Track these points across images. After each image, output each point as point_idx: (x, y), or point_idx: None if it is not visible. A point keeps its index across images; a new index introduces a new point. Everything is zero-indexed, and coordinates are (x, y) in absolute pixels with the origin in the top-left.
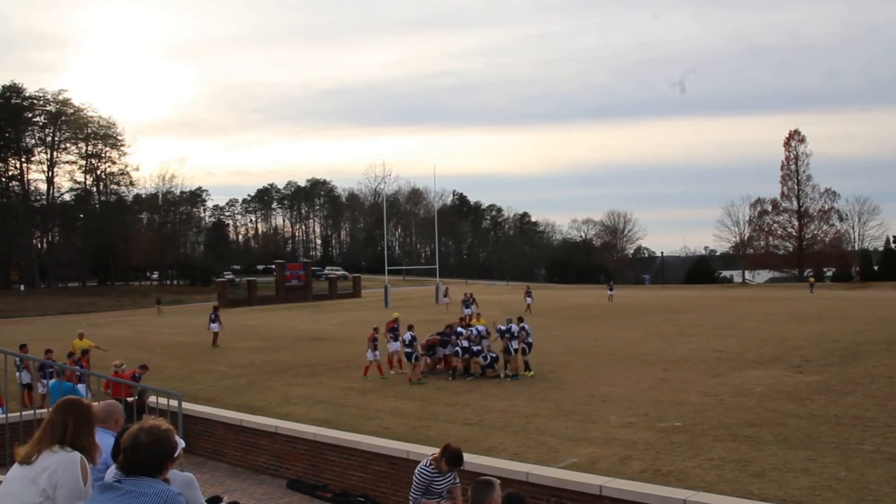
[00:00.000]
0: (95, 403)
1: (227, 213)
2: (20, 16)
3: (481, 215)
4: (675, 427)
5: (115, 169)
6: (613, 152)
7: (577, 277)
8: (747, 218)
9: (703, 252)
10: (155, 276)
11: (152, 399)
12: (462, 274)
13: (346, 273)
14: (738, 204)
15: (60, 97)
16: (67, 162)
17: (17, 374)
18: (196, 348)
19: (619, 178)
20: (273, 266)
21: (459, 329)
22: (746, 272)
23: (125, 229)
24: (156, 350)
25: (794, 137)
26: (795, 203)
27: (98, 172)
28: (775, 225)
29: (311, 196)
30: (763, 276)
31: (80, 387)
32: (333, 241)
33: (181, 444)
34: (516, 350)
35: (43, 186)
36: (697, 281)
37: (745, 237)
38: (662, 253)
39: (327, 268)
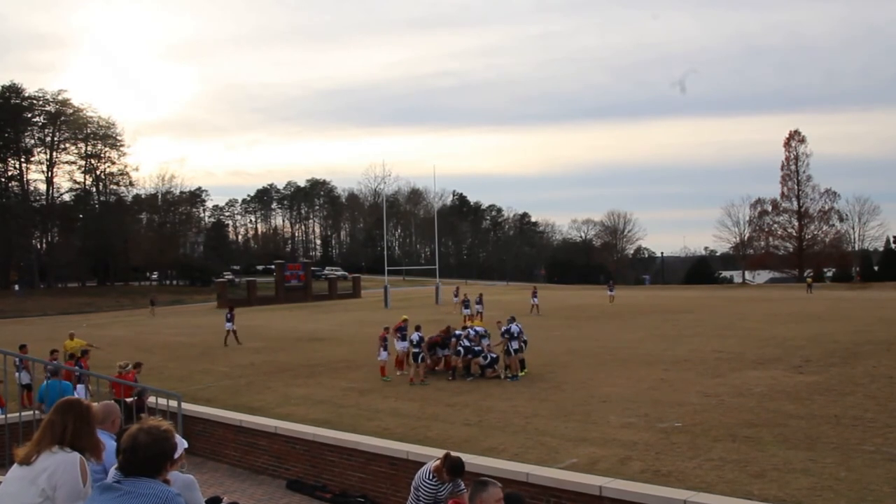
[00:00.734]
0: (94, 404)
1: (226, 214)
2: (19, 16)
3: (481, 215)
4: (675, 427)
5: (114, 169)
6: (613, 152)
7: (577, 278)
8: (747, 218)
9: (703, 252)
10: (154, 276)
11: (151, 399)
12: (462, 274)
13: (346, 273)
14: (738, 204)
15: (60, 97)
16: (67, 162)
17: (17, 374)
18: (195, 349)
19: (619, 178)
20: (273, 266)
21: (458, 332)
22: (746, 272)
23: (125, 230)
24: (155, 350)
25: (795, 137)
26: (795, 203)
27: (97, 173)
28: (775, 225)
29: (311, 196)
30: (763, 276)
31: (80, 388)
32: (333, 242)
33: (183, 444)
34: (516, 350)
35: (42, 187)
36: (697, 281)
37: (745, 237)
38: (662, 253)
39: (327, 268)
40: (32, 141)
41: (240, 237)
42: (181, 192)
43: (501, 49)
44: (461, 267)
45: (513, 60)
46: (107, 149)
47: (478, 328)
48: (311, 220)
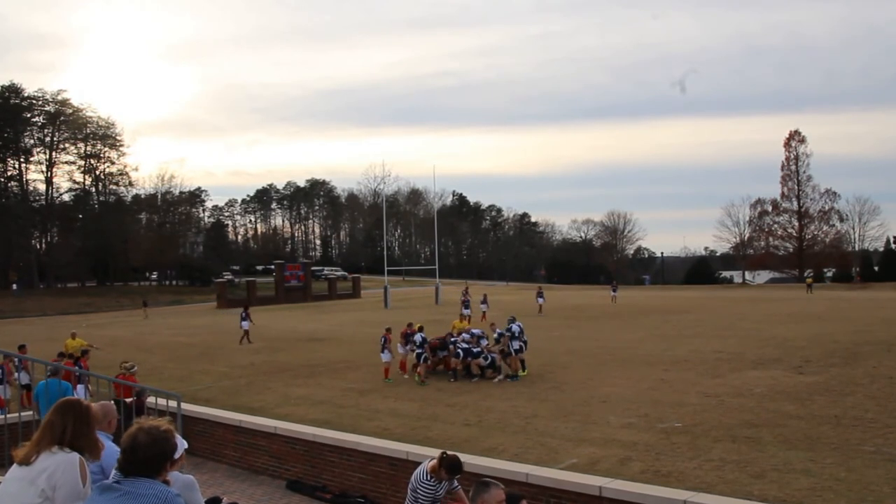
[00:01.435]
0: (93, 404)
1: (226, 214)
2: (18, 16)
3: (481, 216)
4: (675, 428)
5: (114, 169)
6: (613, 152)
7: (577, 278)
8: (747, 218)
9: (703, 252)
10: (154, 276)
11: (151, 400)
12: (462, 274)
13: (346, 273)
14: (739, 204)
15: (59, 97)
16: (66, 162)
17: (16, 374)
18: (195, 349)
19: (619, 178)
20: (272, 266)
21: (453, 339)
22: (746, 273)
23: (124, 230)
24: (154, 351)
25: (795, 138)
26: (796, 203)
27: (97, 173)
28: (775, 225)
29: (311, 196)
30: (763, 276)
31: (80, 388)
32: (333, 242)
33: (183, 444)
34: (517, 350)
35: (42, 187)
36: (697, 281)
37: (746, 238)
38: (662, 253)
39: (326, 268)
40: (32, 141)
41: (239, 237)
42: (181, 193)
43: (501, 49)
44: (461, 267)
45: (513, 60)
46: (106, 149)
47: (474, 330)
48: (310, 221)
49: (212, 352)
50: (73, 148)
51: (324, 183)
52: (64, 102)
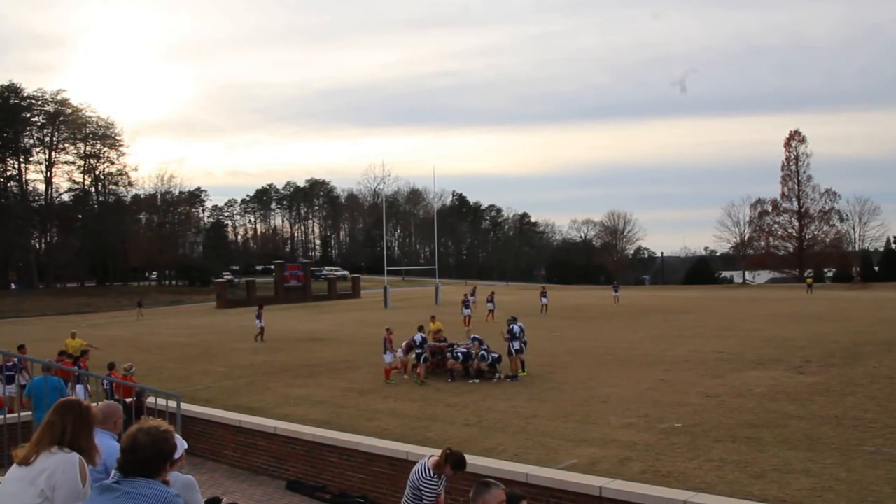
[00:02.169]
0: (94, 404)
1: (225, 214)
2: (17, 16)
3: (481, 216)
4: (675, 428)
5: (113, 169)
6: (613, 152)
7: (577, 278)
8: (747, 218)
9: (704, 252)
10: (153, 276)
11: (151, 400)
12: (461, 274)
13: (347, 273)
14: (739, 204)
15: (59, 97)
16: (66, 162)
17: (16, 374)
18: (194, 349)
19: (619, 178)
20: (272, 266)
21: (450, 346)
22: (747, 273)
23: (124, 230)
24: (153, 351)
25: (795, 138)
26: (796, 203)
27: (96, 173)
28: (775, 225)
29: (311, 196)
30: (763, 276)
31: (79, 388)
32: (333, 242)
33: (183, 445)
34: (517, 350)
35: (41, 187)
36: (697, 281)
37: (746, 238)
38: (662, 253)
39: (325, 268)
40: (31, 141)
41: (239, 237)
42: (180, 193)
43: (501, 49)
44: (461, 267)
45: (513, 60)
46: (106, 149)
47: (461, 349)
48: (310, 221)
49: (211, 352)
50: (72, 148)
51: (323, 183)
52: (63, 102)
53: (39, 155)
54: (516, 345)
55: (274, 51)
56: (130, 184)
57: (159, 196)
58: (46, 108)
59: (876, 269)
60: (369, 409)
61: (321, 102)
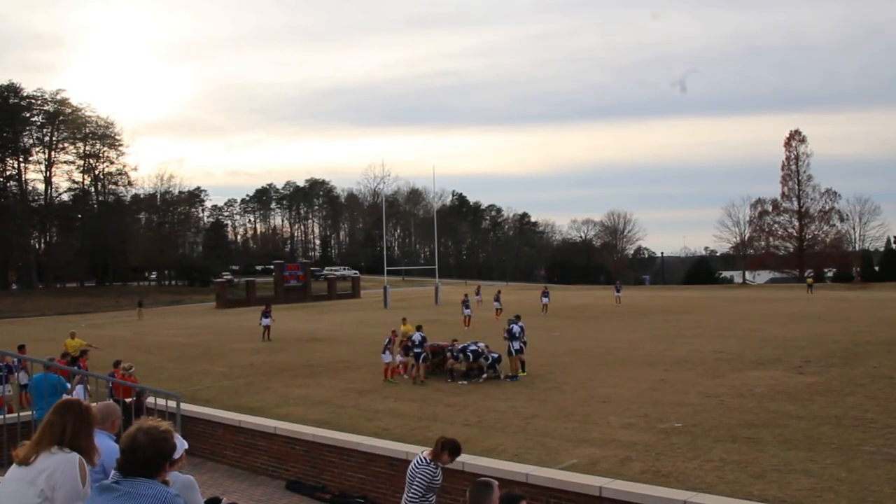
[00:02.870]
0: (94, 404)
1: (225, 214)
2: (17, 15)
3: (481, 215)
4: (675, 428)
5: (113, 169)
6: (613, 152)
7: (577, 278)
8: (747, 218)
9: (704, 252)
10: (153, 276)
11: (150, 400)
12: (461, 274)
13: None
14: (739, 204)
15: (58, 97)
16: (65, 162)
17: (16, 374)
18: (194, 349)
19: (619, 178)
20: (272, 266)
21: (449, 348)
22: (747, 273)
23: (123, 229)
24: (153, 351)
25: (795, 137)
26: (796, 203)
27: (96, 172)
28: (776, 225)
29: (310, 196)
30: (763, 276)
31: (79, 388)
32: (332, 242)
33: (183, 445)
34: (517, 350)
35: (41, 186)
36: (697, 281)
37: (746, 238)
38: (662, 253)
39: (326, 268)
40: (31, 140)
41: (239, 237)
42: (180, 192)
43: (501, 49)
44: (461, 267)
45: (513, 60)
46: (105, 148)
47: (472, 347)
48: (310, 221)
49: (211, 352)
50: (72, 148)
51: (323, 183)
52: (63, 102)
53: (39, 155)
54: (516, 345)
55: (274, 51)
56: (130, 184)
57: (159, 196)
58: (46, 107)
59: (876, 269)
60: (369, 409)
61: (321, 102)
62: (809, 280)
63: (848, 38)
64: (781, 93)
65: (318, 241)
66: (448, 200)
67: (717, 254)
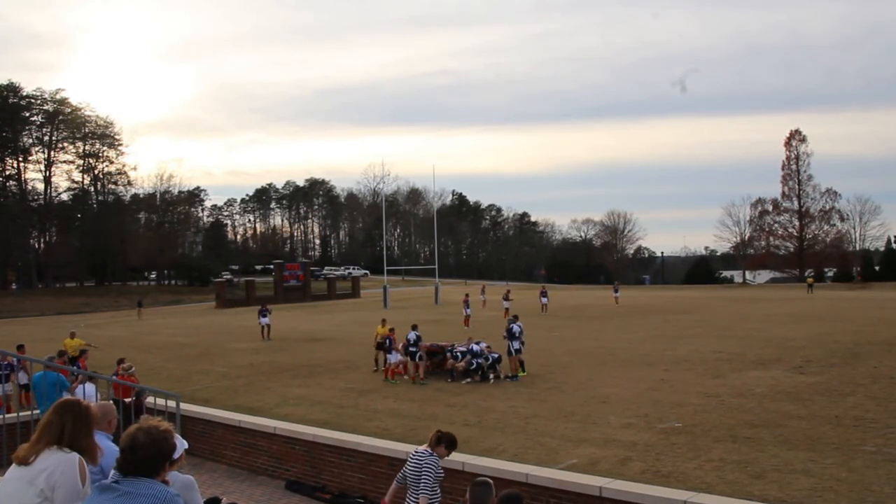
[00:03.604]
0: (93, 404)
1: (225, 213)
2: (16, 15)
3: (481, 215)
4: (675, 428)
5: (112, 169)
6: (613, 152)
7: (577, 278)
8: (748, 218)
9: (704, 252)
10: (153, 276)
11: (150, 400)
12: (461, 274)
13: (367, 272)
14: (739, 204)
15: (58, 97)
16: (65, 161)
17: (16, 374)
18: (193, 349)
19: (619, 178)
20: (271, 266)
21: (449, 348)
22: (747, 272)
23: (123, 229)
24: (153, 351)
25: (795, 137)
26: (796, 203)
27: (96, 172)
28: (776, 225)
29: (310, 196)
30: (764, 276)
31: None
32: (332, 242)
33: (183, 445)
34: (517, 350)
35: (40, 186)
36: (698, 281)
37: (746, 237)
38: (663, 253)
39: (327, 267)
40: (30, 140)
41: (238, 237)
42: (179, 192)
43: (501, 48)
44: (460, 267)
45: (512, 60)
46: (105, 148)
47: (474, 347)
48: (309, 220)
49: (211, 352)
50: (71, 147)
51: (323, 182)
52: (62, 102)
53: (38, 154)
54: (515, 344)
55: (273, 50)
56: (130, 183)
57: (158, 196)
58: (45, 107)
59: (876, 268)
60: (369, 409)
61: (320, 102)
62: (810, 280)
63: (848, 37)
64: (781, 92)
65: (317, 241)
66: (448, 200)
67: (718, 254)
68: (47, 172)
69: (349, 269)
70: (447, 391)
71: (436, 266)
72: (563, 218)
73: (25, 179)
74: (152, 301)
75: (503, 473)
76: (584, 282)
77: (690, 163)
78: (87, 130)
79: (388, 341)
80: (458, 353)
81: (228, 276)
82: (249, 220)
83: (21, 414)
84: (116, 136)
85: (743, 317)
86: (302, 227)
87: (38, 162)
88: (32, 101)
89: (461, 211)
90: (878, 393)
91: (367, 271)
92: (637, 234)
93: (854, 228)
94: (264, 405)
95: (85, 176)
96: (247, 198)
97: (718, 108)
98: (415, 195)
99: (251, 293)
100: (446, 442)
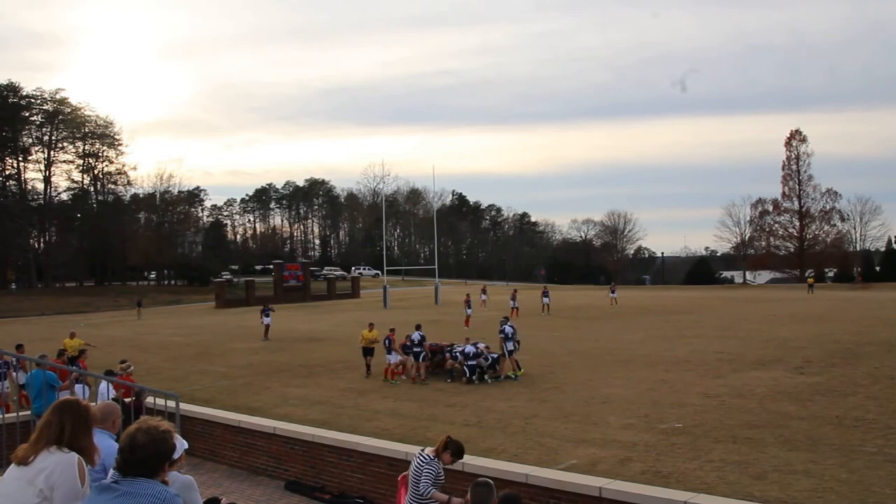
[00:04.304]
0: (93, 404)
1: (224, 213)
2: (15, 14)
3: (480, 215)
4: (675, 428)
5: (112, 168)
6: (613, 152)
7: (577, 278)
8: (748, 218)
9: (704, 252)
10: (152, 276)
11: (149, 400)
12: (461, 274)
13: (378, 272)
14: (739, 204)
15: (57, 96)
16: (65, 161)
17: (14, 374)
18: (193, 349)
19: (619, 178)
20: (271, 266)
21: (448, 348)
22: (747, 273)
23: (122, 229)
24: (152, 350)
25: (796, 137)
26: (797, 203)
27: (95, 172)
28: (776, 225)
29: (310, 196)
30: (764, 276)
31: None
32: (332, 242)
33: (183, 445)
34: (511, 351)
35: (40, 186)
36: (698, 282)
37: (746, 237)
38: (663, 253)
39: (327, 267)
40: (30, 140)
41: (238, 237)
42: (179, 192)
43: (501, 48)
44: (460, 267)
45: (513, 59)
46: (105, 148)
47: (469, 348)
48: (309, 220)
49: (210, 352)
50: (71, 147)
51: (323, 182)
52: (62, 101)
53: (38, 154)
54: (510, 345)
55: (272, 50)
56: (129, 183)
57: (158, 195)
58: (45, 106)
59: (877, 269)
60: (368, 410)
61: (320, 102)
62: (810, 280)
63: (849, 36)
64: (782, 92)
65: (317, 241)
66: (448, 200)
67: (718, 254)
68: (47, 172)
69: (359, 269)
70: (447, 391)
71: (436, 266)
72: (563, 218)
73: (25, 179)
74: (152, 301)
75: (503, 474)
76: (584, 282)
77: (690, 163)
78: (86, 130)
79: (387, 341)
80: (458, 354)
81: (228, 277)
82: (249, 220)
83: (20, 414)
84: (116, 136)
85: (743, 317)
86: (302, 227)
87: (37, 162)
88: (32, 100)
89: (461, 211)
90: (879, 393)
91: (378, 272)
92: (637, 234)
93: (854, 229)
94: (264, 405)
95: (85, 176)
96: (246, 198)
97: (718, 108)
98: (415, 195)
99: (251, 293)
100: (453, 449)
